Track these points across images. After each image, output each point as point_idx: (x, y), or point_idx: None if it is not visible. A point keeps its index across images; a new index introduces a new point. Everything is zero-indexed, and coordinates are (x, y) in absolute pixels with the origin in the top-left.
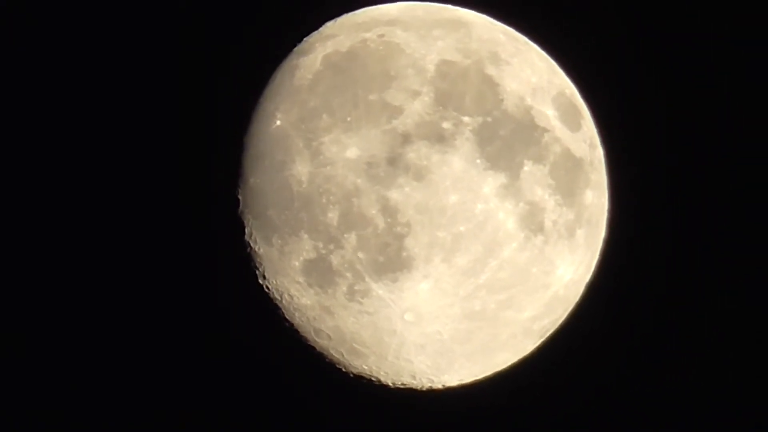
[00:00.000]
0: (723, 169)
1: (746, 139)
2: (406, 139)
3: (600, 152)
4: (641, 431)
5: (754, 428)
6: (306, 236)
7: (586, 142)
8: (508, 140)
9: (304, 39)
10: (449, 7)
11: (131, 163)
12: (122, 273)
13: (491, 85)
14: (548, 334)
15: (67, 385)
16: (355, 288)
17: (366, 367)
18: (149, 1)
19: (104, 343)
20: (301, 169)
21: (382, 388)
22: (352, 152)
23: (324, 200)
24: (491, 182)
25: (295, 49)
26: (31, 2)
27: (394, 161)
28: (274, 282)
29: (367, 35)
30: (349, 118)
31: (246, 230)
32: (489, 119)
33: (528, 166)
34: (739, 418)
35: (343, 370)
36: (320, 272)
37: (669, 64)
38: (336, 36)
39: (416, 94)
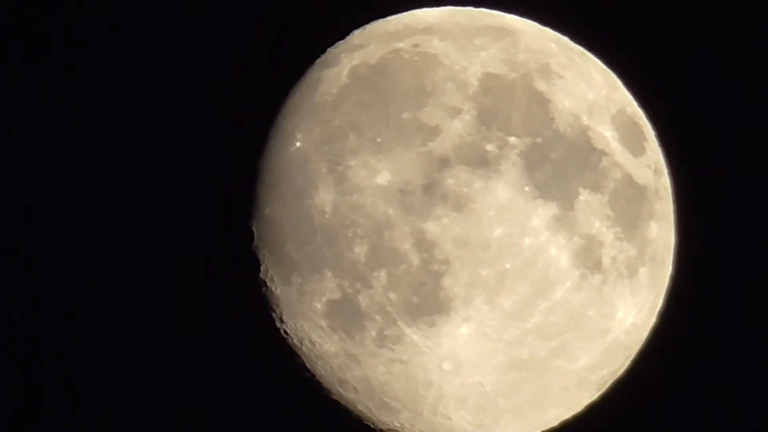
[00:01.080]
0: None
1: None
2: (444, 163)
3: (666, 179)
4: None
5: None
6: (330, 274)
7: (650, 167)
8: (560, 165)
9: (328, 49)
10: (493, 12)
11: (132, 186)
12: (126, 312)
13: (541, 101)
14: (607, 386)
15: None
16: (386, 333)
17: (398, 424)
18: (156, 10)
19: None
20: (325, 198)
21: None
22: (382, 178)
23: (350, 233)
24: (541, 213)
25: (318, 60)
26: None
27: (430, 189)
28: (293, 326)
29: (400, 45)
30: (379, 140)
31: (261, 267)
32: (539, 141)
33: (583, 195)
34: None
35: (372, 426)
36: (346, 315)
37: (746, 80)
38: (364, 46)
39: (456, 111)
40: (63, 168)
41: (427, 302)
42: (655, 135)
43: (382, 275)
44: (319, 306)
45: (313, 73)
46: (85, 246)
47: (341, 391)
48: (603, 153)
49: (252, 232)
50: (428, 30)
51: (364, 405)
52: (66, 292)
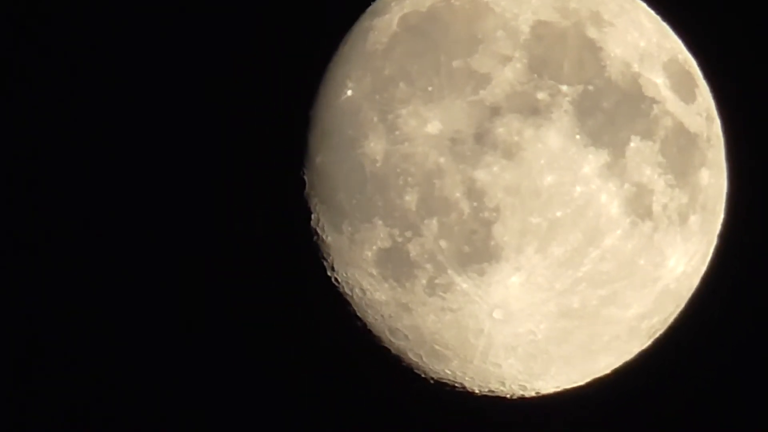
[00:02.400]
0: None
1: None
2: (495, 111)
3: (718, 126)
4: None
5: None
6: (380, 223)
7: (701, 115)
8: (611, 113)
9: None
10: None
11: (184, 139)
12: (170, 260)
13: (593, 49)
14: (657, 334)
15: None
16: (436, 281)
17: (448, 372)
18: None
19: (155, 336)
20: (375, 147)
21: (467, 395)
22: (433, 127)
23: (401, 182)
24: (592, 161)
25: (368, 9)
26: None
27: (481, 137)
28: (344, 274)
29: None
30: (430, 88)
31: (312, 216)
32: (590, 89)
33: (635, 143)
34: None
35: (423, 375)
36: (396, 263)
37: None
38: None
39: (507, 59)
40: (93, 149)
41: (478, 251)
42: (707, 82)
43: (433, 224)
44: (369, 254)
45: (363, 22)
46: (133, 198)
47: (392, 339)
48: (654, 101)
49: (303, 181)
50: None
51: (414, 353)
52: (95, 269)
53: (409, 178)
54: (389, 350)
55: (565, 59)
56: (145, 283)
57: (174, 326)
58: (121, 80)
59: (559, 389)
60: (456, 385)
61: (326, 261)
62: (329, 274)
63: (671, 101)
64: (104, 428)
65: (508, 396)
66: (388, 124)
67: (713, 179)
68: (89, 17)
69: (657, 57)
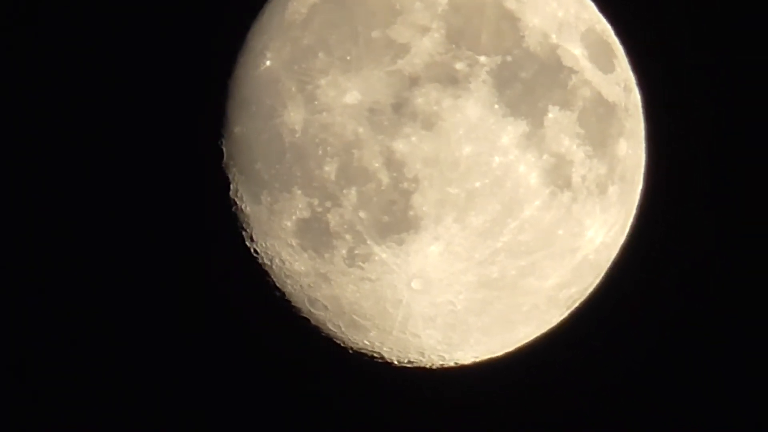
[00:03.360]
0: None
1: None
2: (413, 81)
3: (636, 96)
4: (674, 412)
5: None
6: (299, 193)
7: (620, 84)
8: (530, 83)
9: None
10: None
11: (102, 111)
12: (94, 234)
13: (511, 20)
14: (576, 304)
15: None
16: (356, 252)
17: (367, 342)
18: None
19: (79, 318)
20: (294, 117)
21: (386, 365)
22: (351, 97)
23: (320, 152)
24: (511, 131)
25: None
26: None
27: (399, 107)
28: (263, 245)
29: None
30: (348, 58)
31: (231, 186)
32: (508, 59)
33: (553, 113)
34: None
35: (342, 345)
36: (315, 234)
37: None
38: None
39: (425, 30)
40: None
41: (397, 221)
42: (625, 53)
43: (352, 194)
44: (289, 224)
45: None
46: (48, 183)
47: (311, 309)
48: (572, 71)
49: (222, 152)
50: None
51: (333, 323)
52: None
53: (328, 148)
54: (309, 320)
55: (483, 30)
56: (72, 259)
57: (100, 299)
58: (38, 57)
59: (478, 359)
60: (375, 355)
61: (245, 231)
62: (248, 244)
63: (589, 71)
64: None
65: (427, 366)
66: (307, 94)
67: (632, 150)
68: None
69: (575, 27)
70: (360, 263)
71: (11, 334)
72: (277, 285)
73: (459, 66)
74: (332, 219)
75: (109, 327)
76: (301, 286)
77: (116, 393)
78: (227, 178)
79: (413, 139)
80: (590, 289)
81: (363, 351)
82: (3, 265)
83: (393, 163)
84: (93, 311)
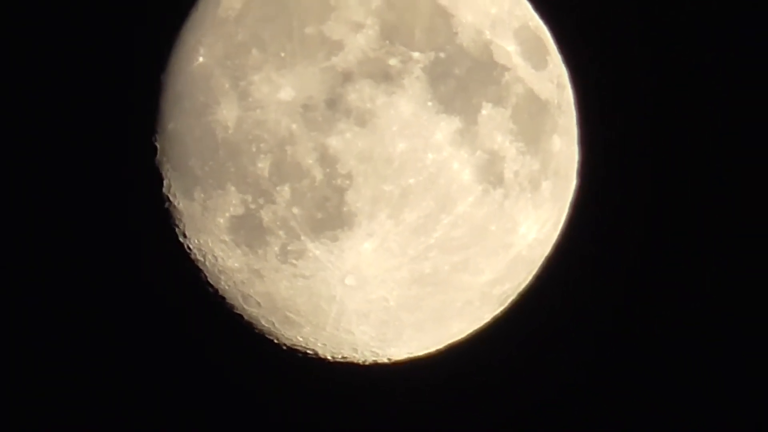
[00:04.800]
0: (708, 114)
1: (736, 77)
2: (347, 78)
3: (569, 93)
4: (612, 410)
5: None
6: (233, 189)
7: (553, 81)
8: (463, 80)
9: None
10: None
11: (32, 109)
12: (33, 232)
13: (444, 16)
14: (509, 300)
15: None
16: (289, 248)
17: (301, 339)
18: None
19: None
20: (227, 113)
21: (320, 362)
22: (285, 93)
23: (253, 148)
24: (444, 127)
25: None
26: None
27: (333, 103)
28: (197, 241)
29: None
30: (282, 54)
31: (164, 182)
32: (442, 55)
33: (486, 109)
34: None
35: (275, 341)
36: (249, 230)
37: None
38: None
39: (359, 26)
40: None
41: (331, 217)
42: (558, 49)
43: (286, 190)
44: (222, 221)
45: None
46: None
47: (244, 306)
48: (505, 68)
49: (155, 147)
50: None
51: (267, 320)
52: None
53: (262, 145)
54: (242, 317)
55: (416, 26)
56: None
57: (27, 300)
58: None
59: (411, 355)
60: (309, 351)
61: (178, 228)
62: (181, 240)
63: (522, 68)
64: None
65: (361, 362)
66: (240, 91)
67: (565, 146)
68: None
69: (508, 24)
70: (293, 260)
71: None
72: (210, 281)
73: (392, 62)
74: (266, 215)
75: (44, 327)
76: (234, 282)
77: (55, 392)
78: (161, 174)
79: (347, 135)
80: (523, 285)
81: (297, 347)
82: None
83: (327, 160)
84: (28, 313)
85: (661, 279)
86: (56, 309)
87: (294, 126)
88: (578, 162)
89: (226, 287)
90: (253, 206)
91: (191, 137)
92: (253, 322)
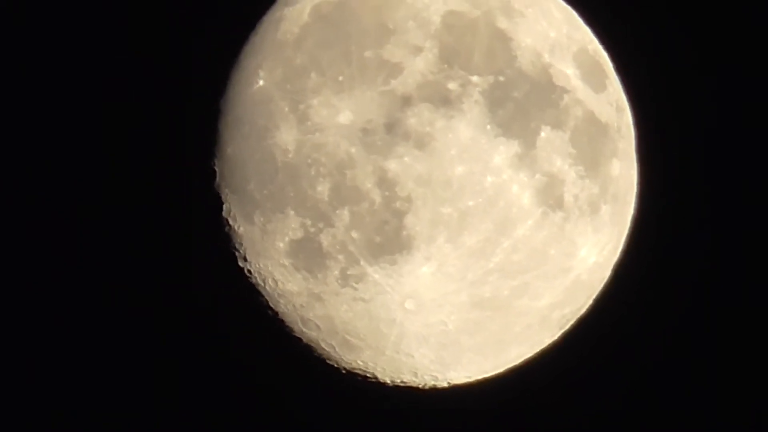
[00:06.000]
0: None
1: None
2: (406, 101)
3: (628, 116)
4: None
5: None
6: (292, 213)
7: (612, 104)
8: (522, 103)
9: None
10: None
11: (94, 132)
12: (87, 255)
13: (503, 39)
14: (569, 325)
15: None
16: (348, 272)
17: (360, 362)
18: None
19: (71, 336)
20: (287, 137)
21: (379, 386)
22: (344, 117)
23: (313, 172)
24: (503, 151)
25: None
26: None
27: (392, 127)
28: (257, 265)
29: None
30: (341, 78)
31: (224, 207)
32: (501, 79)
33: (545, 133)
34: None
35: (335, 365)
36: (308, 254)
37: (708, 16)
38: None
39: (418, 50)
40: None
41: (390, 241)
42: (617, 73)
43: (345, 214)
44: (281, 245)
45: (275, 12)
46: (38, 200)
47: (304, 329)
48: (564, 90)
49: (214, 171)
50: None
51: (327, 343)
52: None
53: (321, 168)
54: (301, 341)
55: (475, 49)
56: (59, 276)
57: (90, 317)
58: (34, 71)
59: (471, 379)
60: (368, 375)
61: (238, 252)
62: (241, 264)
63: (581, 91)
64: None
65: (420, 386)
66: (300, 114)
67: (624, 170)
68: None
69: (567, 47)
70: (353, 283)
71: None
72: (270, 305)
73: (451, 86)
74: (325, 239)
75: (101, 349)
76: (294, 306)
77: (110, 412)
78: (220, 198)
79: (406, 159)
80: (583, 309)
81: (356, 371)
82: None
83: (386, 183)
84: (85, 332)
85: (720, 304)
86: (116, 333)
87: (353, 149)
88: (637, 186)
89: (286, 311)
90: (312, 230)
91: (251, 161)
92: (313, 345)
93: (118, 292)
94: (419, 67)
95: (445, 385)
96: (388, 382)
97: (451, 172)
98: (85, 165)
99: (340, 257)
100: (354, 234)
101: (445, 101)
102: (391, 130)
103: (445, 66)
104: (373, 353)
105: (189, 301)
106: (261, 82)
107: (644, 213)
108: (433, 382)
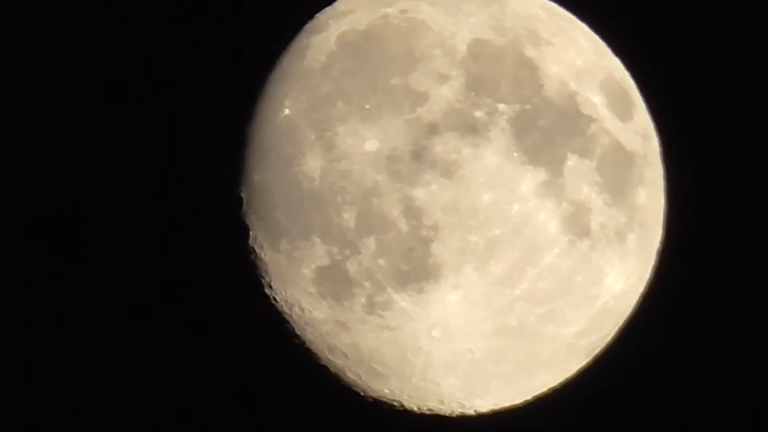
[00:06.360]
0: None
1: None
2: (432, 129)
3: (655, 145)
4: None
5: None
6: (318, 241)
7: (638, 133)
8: (549, 131)
9: (316, 15)
10: None
11: (121, 156)
12: (114, 280)
13: (530, 68)
14: (596, 352)
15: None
16: (375, 300)
17: (387, 391)
18: None
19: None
20: (313, 164)
21: (406, 414)
22: (370, 145)
23: (339, 199)
24: (530, 179)
25: (306, 27)
26: None
27: (418, 155)
28: (283, 293)
29: (389, 11)
30: (367, 106)
31: (250, 234)
32: (527, 107)
33: (572, 161)
34: None
35: (361, 393)
36: (335, 282)
37: (734, 45)
38: (353, 12)
39: (444, 78)
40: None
41: (416, 269)
42: (644, 101)
43: (371, 242)
44: (308, 272)
45: (301, 40)
46: (66, 220)
47: (330, 357)
48: (591, 119)
49: (241, 199)
50: None
51: (353, 371)
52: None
53: (347, 196)
54: (328, 368)
55: (502, 77)
56: (88, 302)
57: (115, 345)
58: (55, 108)
59: (497, 407)
60: (395, 403)
61: (264, 279)
62: (267, 292)
63: (608, 119)
64: None
65: (447, 414)
66: (326, 142)
67: (650, 198)
68: None
69: (594, 75)
70: (379, 311)
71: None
72: (297, 333)
73: (478, 114)
74: (351, 267)
75: (127, 375)
76: (320, 333)
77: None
78: (246, 225)
79: (432, 186)
80: (609, 337)
81: (383, 399)
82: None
83: (412, 211)
84: (110, 353)
85: (747, 331)
86: (143, 361)
87: (379, 177)
88: (664, 213)
89: (312, 339)
90: (338, 258)
91: (277, 188)
92: (339, 374)
93: (148, 321)
94: (446, 95)
95: (472, 413)
96: (415, 410)
97: (478, 200)
98: (114, 193)
99: (367, 285)
100: (380, 261)
101: (471, 129)
102: (417, 158)
103: (472, 94)
104: (400, 381)
105: (216, 328)
106: (287, 110)
107: (671, 241)
108: (459, 410)
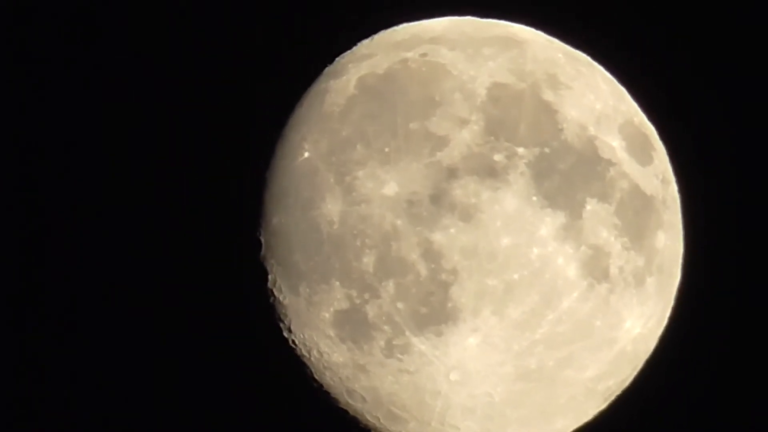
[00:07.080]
0: None
1: None
2: (452, 173)
3: (674, 189)
4: None
5: None
6: (337, 284)
7: (657, 177)
8: (568, 175)
9: (336, 59)
10: (500, 22)
11: (142, 199)
12: (132, 322)
13: (549, 112)
14: (614, 396)
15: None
16: (394, 343)
17: None
18: (160, 23)
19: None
20: (332, 208)
21: None
22: (390, 188)
23: (358, 243)
24: (549, 223)
25: (326, 70)
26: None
27: (438, 199)
28: (302, 336)
29: (408, 55)
30: (386, 150)
31: (269, 277)
32: (546, 151)
33: (591, 205)
34: None
35: None
36: (354, 325)
37: (753, 91)
38: (372, 56)
39: (464, 122)
40: (67, 179)
41: (435, 312)
42: (663, 145)
43: (390, 285)
44: (327, 316)
45: (320, 84)
46: (92, 255)
47: (349, 401)
48: (610, 163)
49: (260, 243)
50: (436, 40)
51: (372, 415)
52: (71, 301)
53: (366, 240)
54: (347, 412)
55: (521, 121)
56: (113, 342)
57: (131, 389)
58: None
59: None
60: None
61: (283, 322)
62: (286, 335)
63: (627, 163)
64: None
65: None
66: (345, 186)
67: (669, 242)
68: None
69: (613, 119)
70: (398, 354)
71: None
72: (315, 376)
73: (497, 158)
74: (370, 310)
75: (147, 417)
76: (339, 377)
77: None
78: (265, 269)
79: (451, 230)
80: (628, 381)
81: None
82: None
83: (431, 255)
84: (128, 394)
85: (765, 375)
86: (162, 400)
87: (398, 221)
88: (683, 258)
89: (331, 382)
90: (357, 301)
91: (296, 232)
92: (358, 417)
93: (166, 360)
94: (465, 139)
95: None
96: None
97: (497, 244)
98: (134, 240)
99: (386, 328)
100: (399, 305)
101: (490, 173)
102: (436, 202)
103: (491, 138)
104: (418, 425)
105: (235, 372)
106: (306, 154)
107: (690, 285)
108: None
